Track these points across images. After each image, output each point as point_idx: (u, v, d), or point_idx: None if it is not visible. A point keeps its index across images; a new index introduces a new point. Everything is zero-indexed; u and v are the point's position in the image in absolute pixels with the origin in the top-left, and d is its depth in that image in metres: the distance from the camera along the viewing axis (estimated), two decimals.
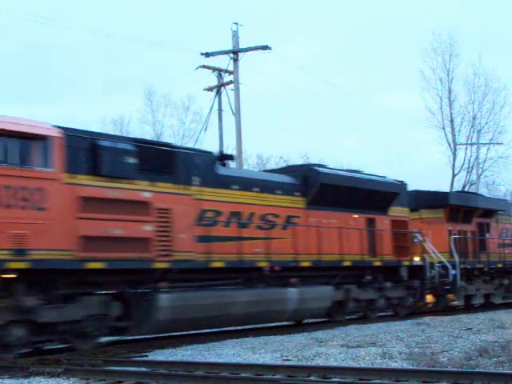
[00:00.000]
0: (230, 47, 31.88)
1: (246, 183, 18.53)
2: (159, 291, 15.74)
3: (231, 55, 31.96)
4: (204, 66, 33.17)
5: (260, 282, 18.33)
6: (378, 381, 9.85)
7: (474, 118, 51.82)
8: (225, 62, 32.62)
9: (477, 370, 10.44)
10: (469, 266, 26.33)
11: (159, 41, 73.62)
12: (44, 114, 70.54)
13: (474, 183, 50.20)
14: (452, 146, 51.85)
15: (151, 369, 12.03)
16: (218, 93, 33.82)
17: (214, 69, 33.53)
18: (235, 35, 31.65)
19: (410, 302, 23.66)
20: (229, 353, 13.95)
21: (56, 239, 13.85)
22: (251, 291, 17.96)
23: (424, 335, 15.89)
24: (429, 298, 24.77)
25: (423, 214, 26.28)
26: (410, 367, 11.02)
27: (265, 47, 31.33)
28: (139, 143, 16.11)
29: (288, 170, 21.12)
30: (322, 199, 20.26)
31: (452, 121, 51.73)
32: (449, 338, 15.13)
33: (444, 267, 24.62)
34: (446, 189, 42.49)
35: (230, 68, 32.30)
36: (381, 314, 23.01)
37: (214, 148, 33.82)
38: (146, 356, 14.48)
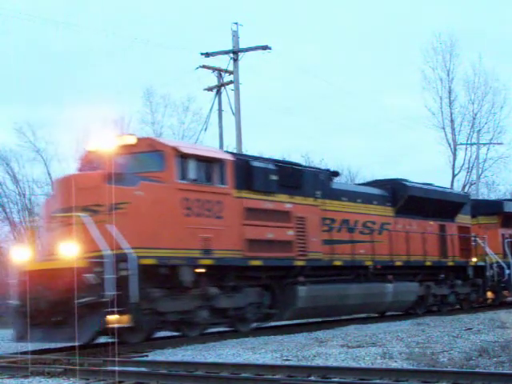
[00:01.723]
0: (230, 47, 31.88)
1: (352, 195, 21.96)
2: (298, 284, 19.11)
3: (231, 55, 31.95)
4: (204, 66, 33.15)
5: (365, 278, 21.56)
6: (378, 381, 9.84)
7: (474, 118, 51.85)
8: (225, 62, 32.64)
9: (477, 370, 10.43)
10: None
11: (159, 41, 73.62)
12: (44, 114, 70.54)
13: (474, 183, 50.20)
14: (452, 146, 51.90)
15: (151, 369, 12.03)
16: (218, 93, 33.81)
17: (214, 69, 33.51)
18: (235, 35, 31.64)
19: (473, 297, 27.40)
20: (229, 353, 13.94)
21: (230, 241, 17.27)
22: (361, 285, 21.38)
23: (424, 335, 15.89)
24: (489, 294, 28.53)
25: (480, 220, 29.45)
26: (410, 367, 11.01)
27: (265, 47, 31.31)
28: (278, 163, 19.49)
29: (378, 183, 24.53)
30: (407, 209, 23.64)
31: (452, 121, 51.77)
32: (449, 337, 15.13)
33: (500, 267, 28.06)
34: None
35: (230, 68, 32.30)
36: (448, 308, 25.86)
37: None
38: (146, 356, 14.49)
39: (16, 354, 15.30)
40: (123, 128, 46.72)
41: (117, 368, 11.66)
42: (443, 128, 51.69)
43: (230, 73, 32.56)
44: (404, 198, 23.48)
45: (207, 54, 32.31)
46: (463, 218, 27.22)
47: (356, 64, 79.00)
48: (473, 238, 27.48)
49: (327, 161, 43.02)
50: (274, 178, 18.77)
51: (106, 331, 15.10)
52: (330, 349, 13.78)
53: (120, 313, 14.55)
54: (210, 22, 69.06)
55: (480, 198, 41.60)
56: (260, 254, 18.02)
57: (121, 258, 14.63)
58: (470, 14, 74.61)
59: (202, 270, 16.74)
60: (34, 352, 15.55)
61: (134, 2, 77.29)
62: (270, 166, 18.88)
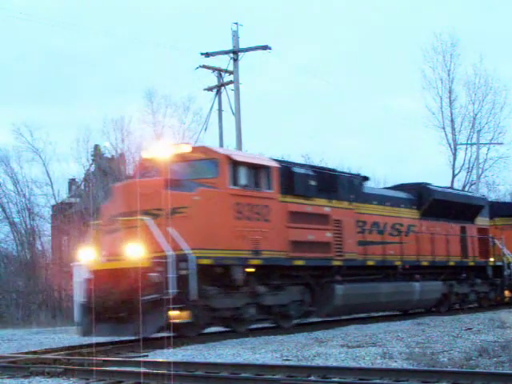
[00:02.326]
0: (230, 47, 31.84)
1: (381, 199, 23.13)
2: (335, 283, 20.23)
3: (231, 55, 31.91)
4: (204, 66, 33.10)
5: (394, 278, 22.74)
6: (378, 381, 9.84)
7: (474, 118, 51.79)
8: (225, 62, 32.60)
9: (477, 370, 10.43)
10: None
11: (159, 41, 73.57)
12: (43, 115, 70.55)
13: (474, 183, 50.17)
14: (452, 146, 51.84)
15: (151, 369, 12.02)
16: (218, 93, 33.77)
17: (213, 69, 33.45)
18: (235, 35, 31.59)
19: (492, 296, 28.46)
20: (229, 353, 13.95)
21: (276, 243, 18.41)
22: (391, 284, 22.57)
23: (424, 335, 15.89)
24: (506, 293, 29.30)
25: (497, 221, 30.43)
26: (410, 367, 11.01)
27: (265, 47, 31.26)
28: (316, 169, 20.72)
29: (403, 187, 25.63)
30: (431, 211, 24.87)
31: (452, 121, 51.70)
32: (449, 337, 15.13)
33: None
34: None
35: (230, 68, 32.27)
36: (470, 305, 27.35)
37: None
38: (146, 356, 14.48)
39: (16, 353, 15.32)
40: (123, 128, 46.76)
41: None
42: (443, 128, 51.69)
43: (230, 73, 32.52)
44: (429, 202, 24.78)
45: (207, 54, 32.25)
46: (482, 220, 28.51)
47: (356, 64, 79.03)
48: (490, 239, 28.65)
49: (327, 161, 42.86)
50: (313, 183, 19.85)
51: (168, 326, 16.24)
52: (329, 349, 13.78)
53: (180, 309, 15.99)
54: (210, 22, 69.08)
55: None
56: (302, 255, 19.17)
57: (181, 259, 15.86)
58: (470, 14, 74.66)
59: (252, 270, 17.94)
60: (34, 352, 15.58)
61: (134, 3, 77.33)
62: (309, 172, 20.06)
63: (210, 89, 33.95)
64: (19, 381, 11.42)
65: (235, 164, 17.75)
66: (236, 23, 31.67)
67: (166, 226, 16.11)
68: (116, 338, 17.00)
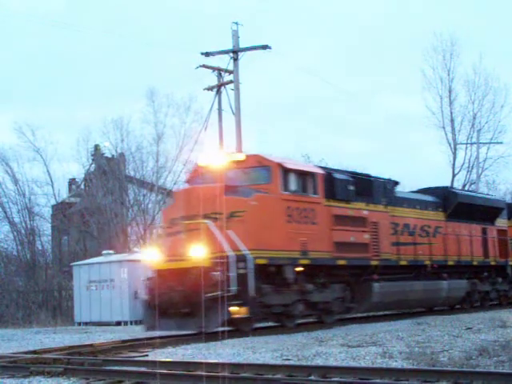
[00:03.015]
0: (230, 47, 31.84)
1: (411, 202, 24.55)
2: (373, 281, 21.68)
3: (231, 55, 31.91)
4: (204, 66, 33.09)
5: (423, 276, 24.12)
6: (378, 380, 9.83)
7: (474, 118, 51.75)
8: (225, 61, 32.59)
9: (477, 369, 10.42)
10: None
11: (160, 40, 73.54)
12: (44, 114, 70.53)
13: (474, 182, 50.14)
14: (452, 146, 51.80)
15: (151, 368, 12.02)
16: (218, 92, 33.76)
17: (213, 68, 33.44)
18: (235, 35, 31.59)
19: (511, 294, 29.88)
20: (229, 352, 13.94)
21: (322, 244, 19.77)
22: (421, 282, 23.95)
23: (424, 334, 15.89)
24: None
25: None
26: (410, 367, 11.00)
27: (264, 46, 31.26)
28: (353, 174, 21.86)
29: (429, 190, 27.04)
30: (456, 214, 26.26)
31: (452, 120, 51.66)
32: (449, 337, 15.13)
33: None
34: None
35: (230, 68, 32.27)
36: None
37: (214, 147, 33.86)
38: (146, 355, 14.49)
39: (16, 353, 15.32)
40: (124, 129, 46.74)
41: (117, 368, 11.61)
42: (443, 127, 51.65)
43: (230, 72, 32.52)
44: (454, 204, 26.25)
45: (207, 54, 32.26)
46: (501, 222, 30.00)
47: (356, 64, 78.98)
48: (510, 240, 30.12)
49: (327, 160, 42.82)
50: (352, 187, 21.21)
51: (228, 321, 17.25)
52: (330, 348, 13.78)
53: (239, 305, 17.34)
54: (210, 21, 69.05)
55: None
56: (344, 255, 20.57)
57: (240, 259, 17.26)
58: (470, 14, 74.63)
59: (301, 269, 19.26)
60: (34, 352, 15.57)
61: (135, 3, 77.31)
62: (348, 178, 21.38)
63: (210, 88, 33.94)
64: (19, 380, 11.42)
65: (286, 171, 19.15)
66: (236, 23, 31.72)
67: (224, 228, 17.52)
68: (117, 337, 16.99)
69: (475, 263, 27.17)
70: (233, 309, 17.30)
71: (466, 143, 51.87)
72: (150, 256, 18.78)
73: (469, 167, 51.88)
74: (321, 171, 20.33)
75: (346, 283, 21.25)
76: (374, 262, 21.75)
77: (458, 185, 50.00)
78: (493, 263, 28.40)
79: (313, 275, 19.88)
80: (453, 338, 14.96)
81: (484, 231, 28.37)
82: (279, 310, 19.13)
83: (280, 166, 19.07)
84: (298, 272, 19.22)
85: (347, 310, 21.66)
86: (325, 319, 20.70)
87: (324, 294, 20.24)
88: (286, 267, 18.81)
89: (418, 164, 68.73)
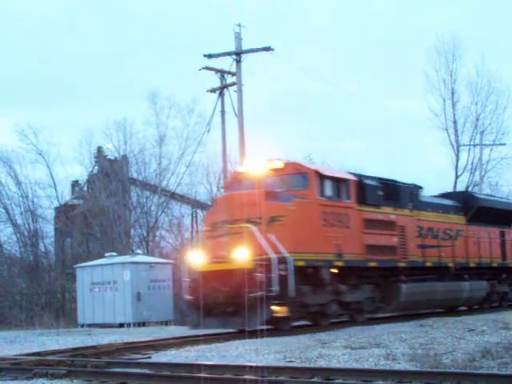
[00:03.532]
0: (232, 49, 31.85)
1: (434, 206, 25.45)
2: (401, 282, 22.63)
3: (234, 57, 31.91)
4: (207, 68, 33.10)
5: (447, 277, 25.12)
6: (381, 382, 9.84)
7: (477, 119, 51.67)
8: (228, 63, 32.61)
9: (480, 371, 10.41)
10: None
11: (162, 42, 73.60)
12: (47, 116, 70.61)
13: (478, 184, 50.09)
14: (455, 148, 51.74)
15: (154, 370, 12.03)
16: (221, 94, 33.76)
17: (216, 70, 33.45)
18: (238, 37, 31.60)
19: None
20: (232, 354, 13.94)
21: (354, 247, 20.79)
22: (445, 283, 24.94)
23: (427, 336, 15.87)
24: None
25: None
26: (414, 368, 10.99)
27: (267, 48, 31.27)
28: (381, 180, 22.74)
29: (450, 195, 28.84)
30: (476, 217, 27.28)
31: (455, 122, 51.59)
32: (452, 339, 15.10)
33: None
34: (449, 189, 42.54)
35: (233, 70, 32.27)
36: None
37: (217, 149, 33.90)
38: (149, 357, 14.50)
39: (19, 355, 15.34)
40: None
41: (120, 370, 11.62)
42: (446, 129, 51.58)
43: (233, 74, 32.53)
44: (474, 208, 27.29)
45: (210, 56, 32.27)
46: None
47: (359, 66, 78.98)
48: None
49: (329, 162, 42.83)
50: (381, 193, 22.21)
51: (269, 320, 18.36)
52: (333, 350, 13.77)
53: (279, 305, 18.35)
54: (212, 23, 69.09)
55: None
56: (375, 257, 21.53)
57: (281, 261, 18.12)
58: (473, 16, 74.64)
59: (335, 270, 20.23)
60: (37, 354, 15.58)
61: (137, 5, 77.38)
62: (377, 183, 22.37)
63: (212, 90, 33.95)
64: (23, 382, 11.44)
65: (322, 178, 20.17)
66: (239, 25, 31.71)
67: (265, 232, 18.51)
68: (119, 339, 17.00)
69: (494, 265, 28.11)
70: (274, 308, 18.31)
71: (469, 145, 51.82)
72: (193, 258, 19.69)
73: (472, 169, 51.85)
74: (353, 178, 21.37)
75: (376, 284, 22.15)
76: (401, 264, 22.75)
77: (461, 186, 49.98)
78: (511, 265, 29.39)
79: (345, 276, 20.73)
80: (456, 339, 14.94)
81: (502, 234, 29.27)
82: (315, 310, 20.08)
83: (317, 172, 20.14)
84: (333, 273, 20.18)
85: (376, 310, 22.66)
86: (356, 318, 21.62)
87: (356, 294, 21.18)
88: (323, 269, 19.80)
89: (420, 165, 68.74)
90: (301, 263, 18.87)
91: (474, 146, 51.29)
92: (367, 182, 21.84)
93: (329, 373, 10.55)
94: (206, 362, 12.78)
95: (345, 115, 76.19)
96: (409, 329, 18.59)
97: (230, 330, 19.23)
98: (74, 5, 76.51)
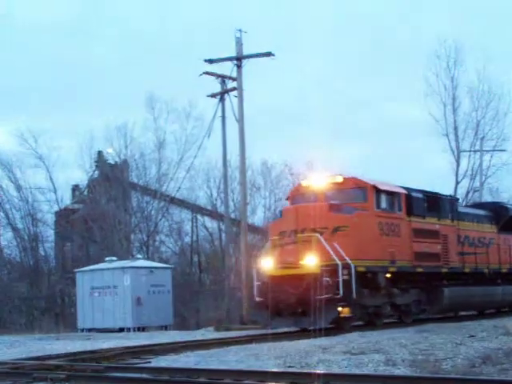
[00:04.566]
0: (233, 54, 31.83)
1: (470, 216, 27.65)
2: (443, 286, 24.75)
3: (235, 62, 31.89)
4: (207, 73, 33.07)
5: (482, 282, 27.14)
6: None
7: (477, 125, 51.60)
8: (228, 68, 32.58)
9: (480, 377, 10.41)
10: None
11: (163, 47, 73.60)
12: (47, 121, 70.66)
13: (478, 190, 50.06)
14: (455, 153, 51.70)
15: (154, 375, 12.01)
16: (222, 99, 33.76)
17: (217, 75, 33.42)
18: (239, 42, 31.55)
19: None
20: (232, 359, 13.92)
21: (405, 254, 22.89)
22: (482, 288, 26.98)
23: (427, 342, 15.84)
24: None
25: None
26: (414, 374, 10.98)
27: (268, 54, 31.19)
28: (425, 193, 24.88)
29: (481, 205, 31.56)
30: (506, 227, 29.47)
31: (456, 128, 51.46)
32: (452, 345, 15.08)
33: None
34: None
35: (234, 75, 32.25)
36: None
37: (217, 154, 33.85)
38: (149, 362, 14.49)
39: (19, 359, 15.32)
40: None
41: (119, 374, 11.61)
42: (447, 135, 51.49)
43: (234, 79, 32.52)
44: (506, 218, 29.53)
45: (211, 61, 32.23)
46: None
47: (359, 71, 78.97)
48: None
49: (329, 168, 42.77)
50: (425, 204, 24.34)
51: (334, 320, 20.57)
52: (333, 356, 13.75)
53: (343, 306, 20.48)
54: (213, 28, 69.11)
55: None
56: (421, 264, 23.61)
57: (344, 267, 20.22)
58: (474, 21, 74.66)
59: (389, 275, 22.32)
60: (37, 358, 15.57)
61: (138, 10, 77.47)
62: (422, 195, 24.45)
63: (213, 95, 33.93)
64: None
65: (378, 192, 22.30)
66: (240, 30, 31.63)
67: (330, 241, 20.59)
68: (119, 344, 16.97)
69: None
70: (340, 309, 20.44)
71: (470, 151, 51.71)
72: (264, 264, 21.67)
73: (472, 175, 51.75)
74: (404, 191, 23.38)
75: (421, 288, 24.13)
76: (444, 270, 24.86)
77: (461, 192, 49.99)
78: None
79: (397, 281, 22.83)
80: (456, 345, 14.92)
81: None
82: (372, 311, 22.27)
83: (374, 187, 22.23)
84: (387, 278, 22.30)
85: (422, 312, 24.61)
86: (404, 319, 23.71)
87: (405, 297, 23.33)
88: (379, 274, 21.97)
89: (420, 171, 68.61)
90: (361, 269, 20.92)
91: (475, 152, 51.28)
92: (414, 194, 23.85)
93: (329, 378, 10.53)
94: (205, 367, 12.78)
95: (345, 120, 76.17)
96: (409, 334, 18.56)
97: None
98: (74, 10, 76.60)
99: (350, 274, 20.24)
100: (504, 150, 51.48)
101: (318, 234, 20.69)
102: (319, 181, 22.66)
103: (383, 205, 22.45)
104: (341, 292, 19.98)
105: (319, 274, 20.12)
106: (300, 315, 20.45)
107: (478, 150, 50.42)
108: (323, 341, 17.43)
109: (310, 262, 20.49)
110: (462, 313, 27.97)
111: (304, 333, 20.07)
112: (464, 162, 51.77)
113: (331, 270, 20.19)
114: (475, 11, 74.84)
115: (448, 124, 51.31)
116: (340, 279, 20.04)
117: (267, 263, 21.55)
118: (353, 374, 11.16)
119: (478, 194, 49.18)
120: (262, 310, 21.40)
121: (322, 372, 11.40)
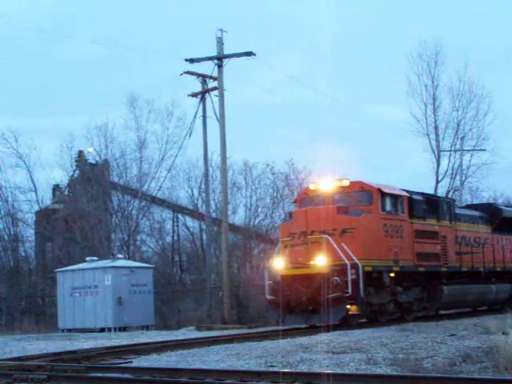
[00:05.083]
0: (214, 54, 31.79)
1: (466, 217, 28.58)
2: (443, 284, 25.70)
3: (215, 61, 31.85)
4: (188, 72, 33.04)
5: (478, 280, 28.20)
6: None
7: (458, 125, 51.81)
8: (209, 68, 32.55)
9: (460, 375, 10.46)
10: None
11: (143, 46, 73.45)
12: (29, 121, 70.33)
13: (458, 189, 50.29)
14: (436, 153, 51.85)
15: (135, 375, 11.99)
16: (203, 99, 33.72)
17: (198, 75, 33.40)
18: (220, 41, 31.53)
19: None
20: (213, 359, 13.92)
21: (407, 254, 23.94)
22: (477, 286, 28.13)
23: (408, 341, 15.91)
24: None
25: None
26: (395, 373, 11.02)
27: (249, 53, 31.15)
28: (425, 195, 26.02)
29: (476, 206, 32.15)
30: (500, 227, 30.46)
31: (436, 127, 51.59)
32: (433, 343, 15.15)
33: None
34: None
35: (215, 74, 32.22)
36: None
37: (198, 154, 33.82)
38: (131, 362, 14.45)
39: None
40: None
41: (101, 375, 11.57)
42: (427, 135, 51.62)
43: (215, 79, 32.48)
44: (499, 219, 30.43)
45: (191, 60, 32.19)
46: None
47: (341, 71, 79.15)
48: None
49: (311, 167, 42.84)
50: (425, 207, 25.19)
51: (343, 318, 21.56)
52: (314, 355, 13.78)
53: (352, 304, 21.62)
54: (194, 28, 69.07)
55: (464, 204, 41.90)
56: (423, 263, 24.64)
57: (352, 267, 21.23)
58: (455, 22, 75.03)
59: (393, 275, 23.31)
60: (17, 359, 15.49)
61: (118, 9, 77.27)
62: (422, 198, 25.36)
63: (194, 95, 33.91)
64: None
65: (383, 195, 23.24)
66: (221, 29, 31.63)
67: (338, 242, 21.61)
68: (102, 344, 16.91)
69: None
70: (349, 306, 21.53)
71: (450, 150, 51.86)
72: (275, 264, 22.61)
73: (452, 174, 51.92)
74: (406, 194, 24.32)
75: (422, 286, 25.15)
76: (443, 269, 25.86)
77: (441, 191, 50.19)
78: None
79: (400, 280, 23.75)
80: (437, 344, 14.99)
81: None
82: (377, 308, 23.10)
83: (379, 190, 23.16)
84: (391, 277, 23.24)
85: (423, 309, 25.70)
86: (406, 316, 24.45)
87: (408, 295, 24.28)
88: (384, 273, 22.90)
89: (401, 171, 68.92)
90: (368, 268, 21.91)
91: (455, 151, 51.48)
92: (415, 197, 24.76)
93: (310, 377, 10.56)
94: (186, 367, 12.77)
95: (327, 121, 76.28)
96: (389, 333, 18.62)
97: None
98: (56, 10, 76.27)
99: (357, 274, 21.21)
100: (484, 150, 51.72)
101: (327, 236, 21.69)
102: (326, 184, 23.55)
103: (388, 207, 23.44)
104: (349, 291, 20.98)
105: (329, 274, 21.14)
106: (310, 313, 21.49)
107: (459, 150, 50.61)
108: (304, 340, 17.48)
109: (320, 262, 21.46)
110: (443, 312, 27.92)
111: (287, 332, 20.47)
112: (444, 162, 51.97)
113: (340, 269, 21.23)
114: (458, 12, 75.22)
115: (429, 124, 51.46)
116: (349, 278, 21.03)
117: (278, 263, 22.53)
118: (335, 373, 11.13)
119: (458, 194, 49.38)
120: (273, 308, 22.42)
121: (304, 371, 11.44)
